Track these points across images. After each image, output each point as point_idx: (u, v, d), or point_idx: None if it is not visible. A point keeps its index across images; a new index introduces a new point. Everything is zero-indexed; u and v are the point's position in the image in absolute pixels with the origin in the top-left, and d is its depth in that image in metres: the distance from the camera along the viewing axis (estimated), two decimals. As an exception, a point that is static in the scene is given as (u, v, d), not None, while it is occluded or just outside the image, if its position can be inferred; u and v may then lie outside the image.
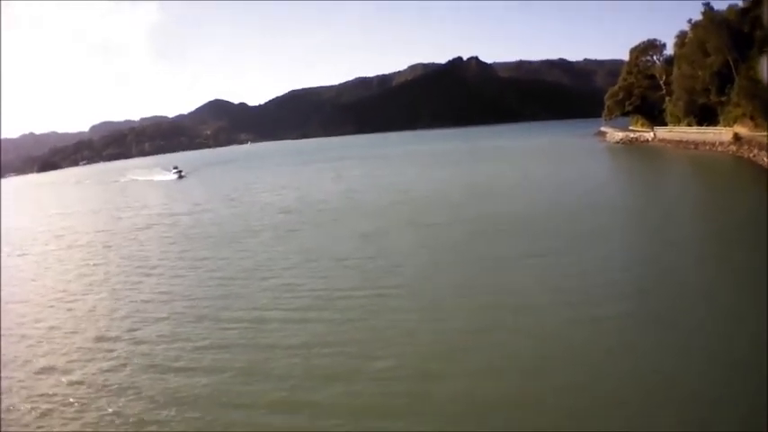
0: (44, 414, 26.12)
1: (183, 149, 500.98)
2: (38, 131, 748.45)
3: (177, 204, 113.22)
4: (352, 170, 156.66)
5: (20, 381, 30.35)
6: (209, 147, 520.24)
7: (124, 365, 31.05)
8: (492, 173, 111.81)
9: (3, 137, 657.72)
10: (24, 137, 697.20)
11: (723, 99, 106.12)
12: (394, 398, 24.27)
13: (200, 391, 26.89)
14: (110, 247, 71.74)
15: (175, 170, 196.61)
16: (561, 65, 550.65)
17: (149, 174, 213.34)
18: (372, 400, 24.19)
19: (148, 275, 53.25)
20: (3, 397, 28.43)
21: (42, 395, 28.13)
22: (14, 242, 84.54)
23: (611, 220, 58.45)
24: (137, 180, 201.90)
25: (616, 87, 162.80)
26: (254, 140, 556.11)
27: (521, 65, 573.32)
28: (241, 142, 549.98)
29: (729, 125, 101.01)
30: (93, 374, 30.26)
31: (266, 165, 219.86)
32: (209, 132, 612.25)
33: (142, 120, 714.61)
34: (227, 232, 72.47)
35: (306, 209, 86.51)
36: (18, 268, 64.02)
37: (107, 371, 30.52)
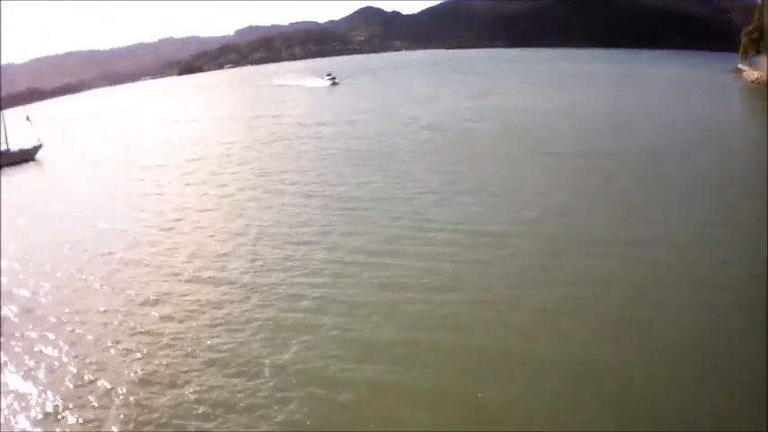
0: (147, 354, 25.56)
1: (336, 54, 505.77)
2: (178, 35, 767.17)
3: (325, 114, 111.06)
4: (503, 84, 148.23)
5: (122, 311, 30.31)
6: (363, 53, 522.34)
7: (232, 300, 30.28)
8: (638, 103, 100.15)
9: (140, 41, 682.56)
10: (163, 41, 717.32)
11: None
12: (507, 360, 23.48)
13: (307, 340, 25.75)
14: (241, 160, 71.07)
15: (329, 77, 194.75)
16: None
17: (299, 79, 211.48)
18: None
19: (276, 195, 52.44)
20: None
21: (144, 330, 27.92)
22: (139, 152, 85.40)
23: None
24: (285, 85, 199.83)
25: (751, 26, 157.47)
26: (407, 48, 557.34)
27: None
28: (396, 49, 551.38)
29: None
30: (199, 309, 29.62)
31: (420, 74, 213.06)
32: (362, 39, 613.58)
33: (291, 25, 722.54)
34: (369, 150, 70.14)
35: (451, 127, 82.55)
36: (140, 183, 64.05)
37: (212, 306, 29.85)
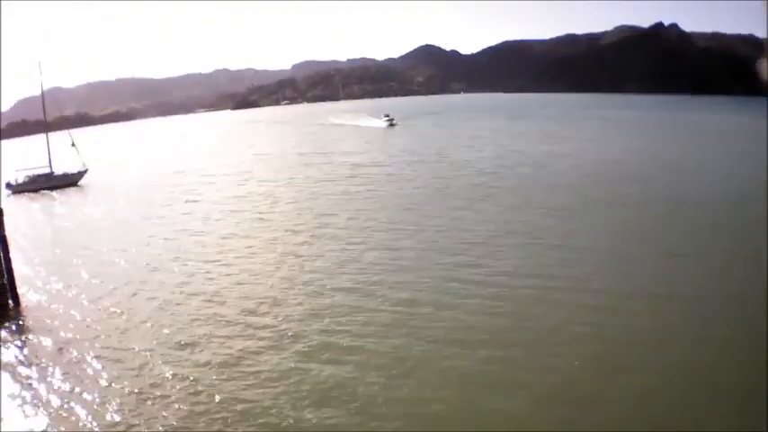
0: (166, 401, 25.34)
1: (394, 95, 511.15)
2: (233, 68, 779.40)
3: (380, 155, 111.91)
4: (560, 130, 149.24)
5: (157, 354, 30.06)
6: (421, 94, 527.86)
7: (273, 348, 29.85)
8: (690, 152, 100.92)
9: (193, 71, 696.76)
10: (217, 72, 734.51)
11: None
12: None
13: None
14: (290, 200, 71.77)
15: (386, 118, 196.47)
16: (751, 40, 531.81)
17: (356, 119, 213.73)
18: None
19: (323, 240, 52.14)
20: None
21: (179, 375, 27.64)
22: (185, 185, 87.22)
23: None
24: (342, 125, 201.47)
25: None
26: (466, 90, 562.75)
27: (715, 36, 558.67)
28: (453, 91, 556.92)
29: None
30: (236, 356, 29.23)
31: (477, 118, 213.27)
32: (420, 79, 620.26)
33: (349, 61, 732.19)
34: (420, 193, 71.25)
35: (506, 174, 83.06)
36: (184, 218, 64.97)
37: (251, 353, 29.43)
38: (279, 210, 65.98)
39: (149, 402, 25.27)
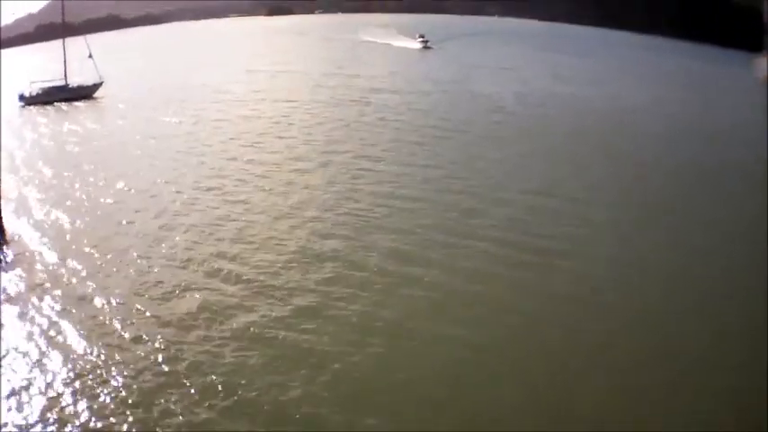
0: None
1: (429, 12, 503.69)
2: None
3: (407, 82, 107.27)
4: (586, 69, 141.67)
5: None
6: (457, 13, 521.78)
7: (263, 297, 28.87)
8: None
9: None
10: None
11: None
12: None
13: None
14: (303, 125, 70.54)
15: (421, 39, 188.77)
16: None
17: (388, 37, 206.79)
18: None
19: (327, 167, 52.29)
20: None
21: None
22: (198, 100, 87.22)
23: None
24: (374, 42, 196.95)
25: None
26: (501, 14, 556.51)
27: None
28: (489, 14, 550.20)
29: None
30: (218, 306, 28.44)
31: (510, 44, 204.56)
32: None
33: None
34: (439, 130, 67.68)
35: (529, 113, 79.49)
36: (189, 140, 64.09)
37: (241, 303, 28.57)
38: (289, 134, 65.26)
39: (125, 350, 24.72)
